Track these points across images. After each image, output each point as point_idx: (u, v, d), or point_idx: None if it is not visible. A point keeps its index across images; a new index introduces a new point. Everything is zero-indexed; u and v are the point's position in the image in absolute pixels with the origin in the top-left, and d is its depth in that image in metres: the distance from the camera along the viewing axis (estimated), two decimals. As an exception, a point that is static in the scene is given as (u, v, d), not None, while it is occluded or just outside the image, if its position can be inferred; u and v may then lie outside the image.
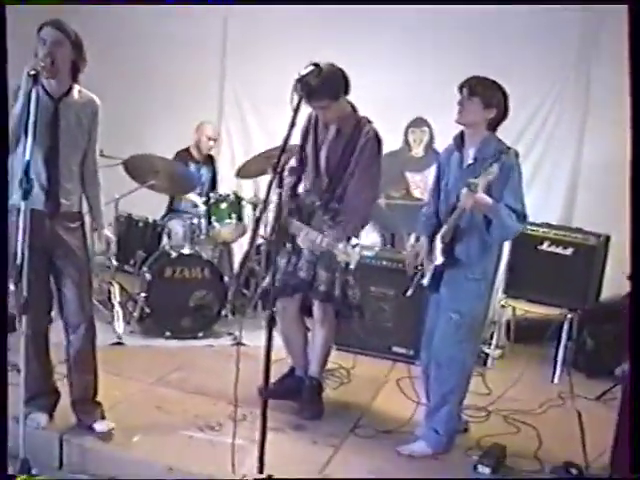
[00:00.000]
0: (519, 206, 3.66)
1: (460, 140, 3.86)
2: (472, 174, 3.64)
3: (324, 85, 3.84)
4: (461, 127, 3.84)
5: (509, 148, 3.72)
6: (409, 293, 4.13)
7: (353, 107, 4.21)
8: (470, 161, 3.79)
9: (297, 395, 4.36)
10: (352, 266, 3.99)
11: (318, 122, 4.28)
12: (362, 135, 4.11)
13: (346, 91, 4.13)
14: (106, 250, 4.05)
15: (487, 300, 3.98)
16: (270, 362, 3.13)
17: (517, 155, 3.71)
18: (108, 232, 4.07)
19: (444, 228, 3.78)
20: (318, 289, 4.19)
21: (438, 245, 3.81)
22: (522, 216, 3.68)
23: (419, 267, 4.04)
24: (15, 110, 3.32)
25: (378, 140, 4.16)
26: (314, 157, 4.28)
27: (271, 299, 3.45)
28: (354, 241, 3.89)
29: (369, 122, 4.18)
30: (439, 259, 3.82)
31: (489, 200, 3.54)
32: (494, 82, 3.75)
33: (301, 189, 4.35)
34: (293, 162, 4.33)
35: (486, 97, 3.70)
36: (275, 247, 3.75)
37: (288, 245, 4.22)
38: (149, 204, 6.29)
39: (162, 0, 6.60)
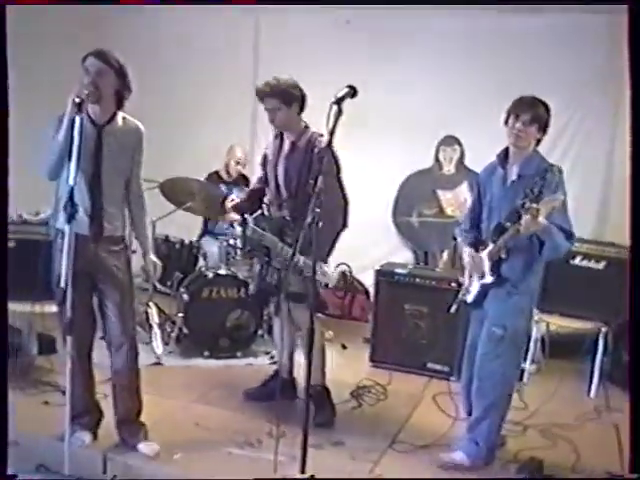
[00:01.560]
0: (566, 225, 3.67)
1: (504, 157, 3.86)
2: (516, 191, 3.69)
3: (278, 87, 4.24)
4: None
5: (552, 165, 3.73)
6: (453, 310, 4.18)
7: (307, 126, 4.38)
8: (514, 178, 3.80)
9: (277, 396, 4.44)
10: (330, 286, 4.30)
11: (277, 142, 4.46)
12: (316, 146, 4.26)
13: (302, 106, 4.36)
14: (153, 275, 4.05)
15: (529, 314, 4.01)
16: (310, 376, 3.18)
17: (561, 172, 3.70)
18: (154, 257, 4.08)
19: (491, 247, 3.80)
20: (288, 291, 4.22)
21: (486, 263, 3.84)
22: (570, 234, 3.69)
23: (454, 284, 4.06)
24: (59, 136, 3.41)
25: (330, 147, 4.11)
26: (273, 173, 4.46)
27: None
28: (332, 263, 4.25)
29: (321, 135, 4.25)
30: (488, 278, 3.86)
31: (546, 222, 3.51)
32: (543, 102, 3.75)
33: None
34: (255, 183, 4.76)
35: (543, 121, 3.73)
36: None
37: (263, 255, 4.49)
38: (185, 225, 6.41)
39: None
